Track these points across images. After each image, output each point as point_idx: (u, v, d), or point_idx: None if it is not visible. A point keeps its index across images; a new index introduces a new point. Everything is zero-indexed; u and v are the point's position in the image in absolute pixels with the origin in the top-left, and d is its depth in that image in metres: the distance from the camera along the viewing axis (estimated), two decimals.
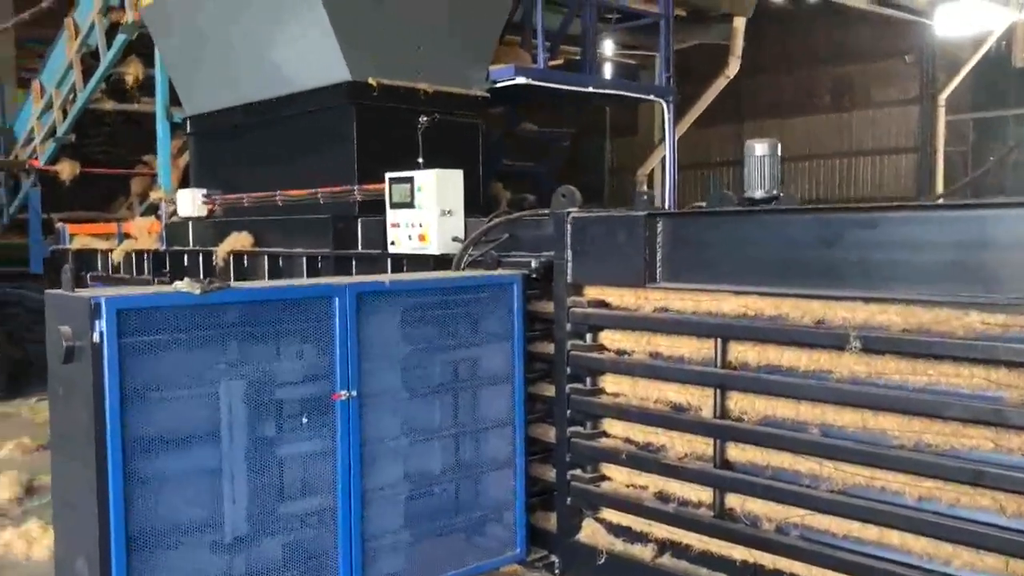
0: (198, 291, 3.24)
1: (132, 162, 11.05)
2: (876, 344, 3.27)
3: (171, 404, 3.28)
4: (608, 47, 15.02)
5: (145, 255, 7.84)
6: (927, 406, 3.16)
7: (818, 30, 21.83)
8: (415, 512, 4.06)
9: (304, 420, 3.64)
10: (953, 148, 19.92)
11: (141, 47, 8.42)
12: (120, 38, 8.06)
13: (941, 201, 6.63)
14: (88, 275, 8.61)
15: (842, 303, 3.39)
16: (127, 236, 8.23)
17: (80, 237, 9.13)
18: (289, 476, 3.60)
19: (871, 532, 3.36)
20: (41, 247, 9.71)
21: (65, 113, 9.42)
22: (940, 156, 19.77)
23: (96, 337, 3.06)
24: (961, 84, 19.29)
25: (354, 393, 3.69)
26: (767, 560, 3.65)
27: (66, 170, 9.94)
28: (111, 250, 8.27)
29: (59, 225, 9.46)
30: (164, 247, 7.49)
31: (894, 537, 3.30)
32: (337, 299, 3.64)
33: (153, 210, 9.22)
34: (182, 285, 3.27)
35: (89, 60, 8.94)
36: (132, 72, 8.79)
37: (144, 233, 7.98)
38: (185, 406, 3.33)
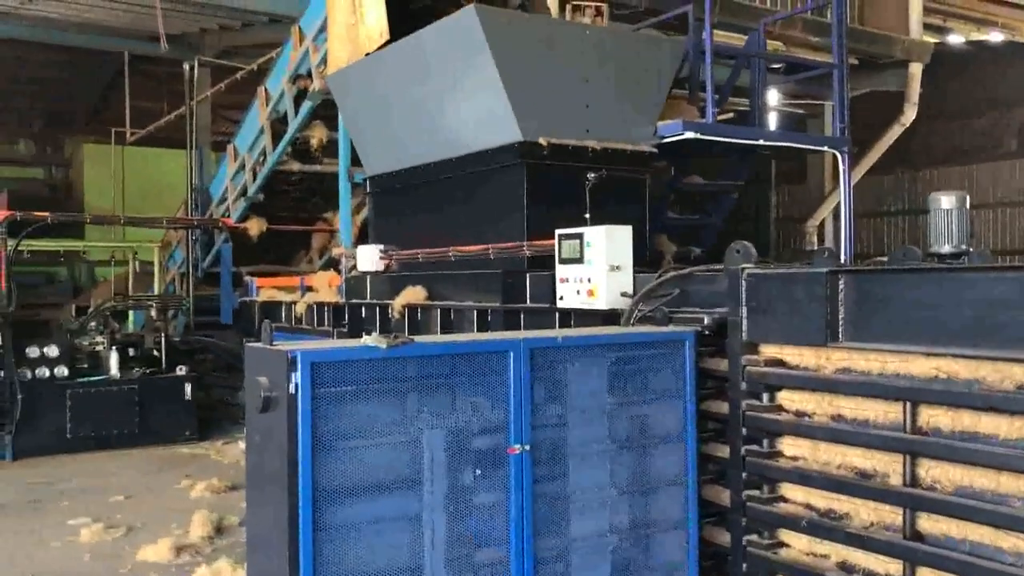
0: (384, 345, 3.40)
1: (313, 219, 11.78)
2: None
3: (357, 453, 3.43)
4: (773, 96, 14.78)
5: (326, 307, 8.26)
6: None
7: (1002, 72, 20.63)
8: (586, 570, 4.03)
9: (477, 472, 3.71)
10: None
11: (325, 112, 9.00)
12: (306, 104, 8.66)
13: None
14: (272, 325, 9.16)
15: None
16: (309, 289, 8.72)
17: (265, 290, 9.74)
18: (466, 527, 3.66)
19: None
20: (231, 299, 10.45)
21: (255, 174, 10.16)
22: None
23: (292, 388, 3.25)
24: None
25: (527, 447, 3.73)
26: None
27: (254, 227, 10.71)
28: (295, 302, 8.77)
29: (247, 278, 10.15)
30: (344, 300, 7.88)
31: None
32: (512, 353, 3.71)
33: (332, 264, 9.76)
34: (370, 340, 3.43)
35: (278, 125, 9.64)
36: (316, 136, 9.40)
37: (325, 286, 8.43)
38: (370, 455, 3.47)
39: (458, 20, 5.95)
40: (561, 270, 5.26)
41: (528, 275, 5.82)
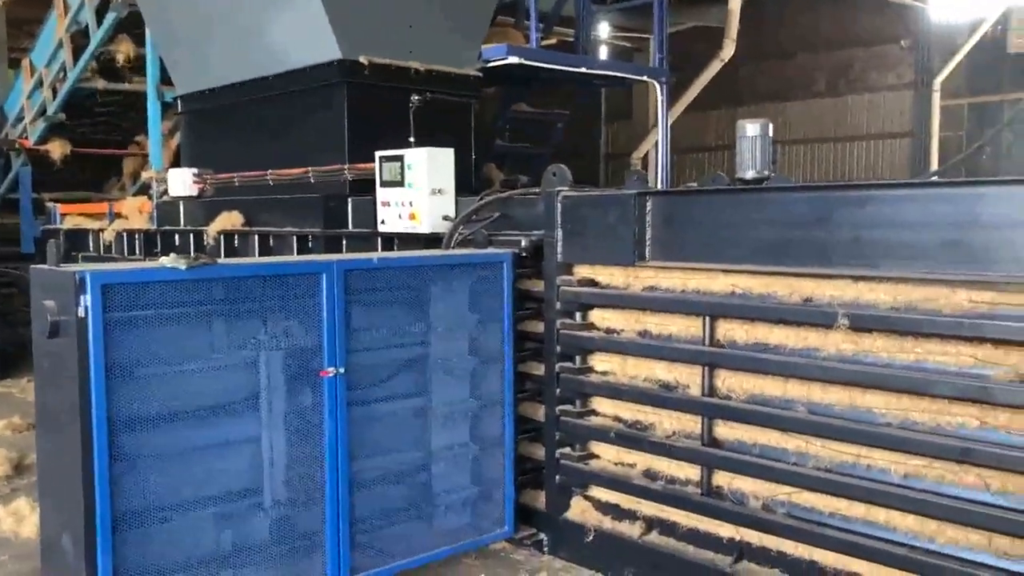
0: (184, 266, 3.23)
1: (125, 142, 11.01)
2: (864, 322, 3.27)
3: (160, 380, 3.27)
4: (603, 29, 14.95)
5: (136, 235, 7.80)
6: (914, 384, 3.17)
7: (816, 15, 21.78)
8: (405, 488, 4.06)
9: (293, 396, 3.64)
10: (949, 133, 19.92)
11: (132, 25, 8.35)
12: (110, 16, 8.00)
13: (932, 179, 6.62)
14: (80, 255, 8.59)
15: (831, 281, 3.39)
16: (118, 216, 8.19)
17: (71, 217, 9.09)
18: (277, 450, 3.59)
19: (858, 509, 3.38)
20: (32, 227, 9.68)
21: (55, 92, 9.36)
22: (935, 141, 19.78)
23: (81, 312, 3.04)
24: (956, 69, 19.29)
25: (342, 370, 3.68)
26: (754, 537, 3.67)
27: (56, 150, 9.89)
28: (103, 230, 8.24)
29: (50, 205, 9.42)
30: (155, 227, 7.46)
31: (880, 514, 3.31)
32: (324, 276, 3.62)
33: (144, 190, 9.19)
34: (168, 260, 3.25)
35: (79, 39, 8.87)
36: (123, 51, 8.72)
37: (135, 213, 7.94)
38: (176, 382, 3.32)
39: None
40: (382, 193, 5.16)
41: (350, 200, 5.69)
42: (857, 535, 3.35)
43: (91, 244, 8.62)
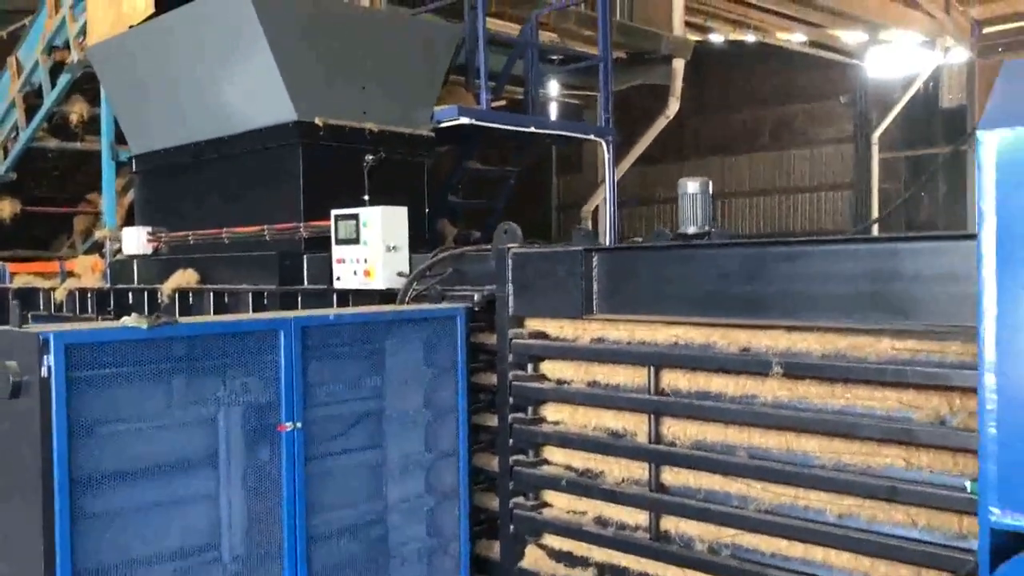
0: (145, 326, 3.32)
1: (75, 200, 11.00)
2: (797, 369, 3.47)
3: (123, 437, 3.34)
4: (553, 87, 15.36)
5: (89, 293, 7.80)
6: (844, 427, 3.36)
7: (758, 72, 22.56)
8: (362, 541, 4.13)
9: (252, 452, 3.72)
10: (887, 185, 20.69)
11: (85, 85, 8.46)
12: (64, 77, 8.11)
13: (854, 235, 6.94)
14: (30, 314, 8.53)
15: (766, 332, 3.58)
16: (70, 274, 8.20)
17: (20, 276, 9.05)
18: (236, 506, 3.66)
19: (797, 549, 3.54)
20: None
21: (6, 151, 9.38)
22: (875, 192, 20.52)
23: (44, 372, 3.11)
24: (893, 123, 20.13)
25: (299, 425, 3.77)
26: None
27: (6, 208, 9.89)
28: (54, 289, 8.22)
29: None
30: (108, 285, 7.48)
31: (818, 553, 3.47)
32: (283, 332, 3.73)
33: (97, 248, 9.19)
34: (130, 320, 3.34)
35: (32, 98, 8.95)
36: (76, 111, 8.81)
37: (88, 271, 7.95)
38: (138, 439, 3.39)
39: None
40: (338, 251, 5.29)
41: (305, 256, 5.81)
42: (797, 574, 3.50)
43: (41, 303, 8.58)
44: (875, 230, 17.17)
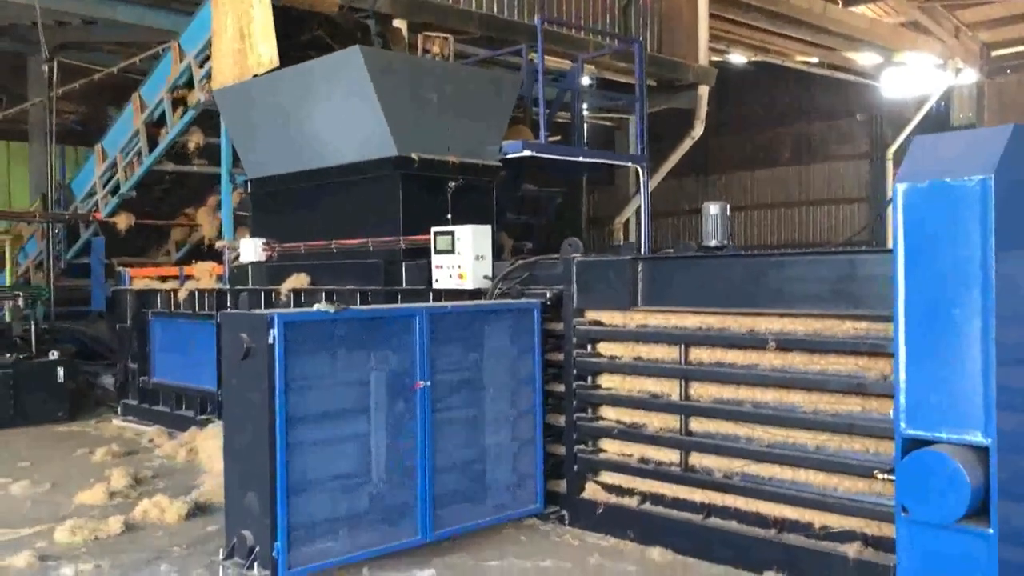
0: (332, 310, 4.81)
1: (174, 214, 12.62)
2: (787, 344, 4.89)
3: (312, 390, 4.82)
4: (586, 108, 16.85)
5: (207, 294, 9.31)
6: (820, 384, 4.77)
7: (780, 92, 23.87)
8: (466, 474, 5.59)
9: (399, 402, 5.19)
10: None
11: (202, 119, 10.02)
12: (189, 113, 9.66)
13: (824, 250, 8.34)
14: (150, 312, 10.05)
15: (765, 318, 5.00)
16: (188, 278, 9.72)
17: (139, 279, 10.58)
18: (392, 443, 5.13)
19: (787, 472, 4.95)
20: (103, 288, 11.18)
21: (126, 173, 10.97)
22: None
23: (271, 339, 4.61)
24: (907, 140, 21.42)
25: (428, 383, 5.24)
26: (717, 499, 5.23)
27: (123, 221, 11.50)
28: (175, 290, 9.73)
29: (120, 269, 10.94)
30: (227, 287, 8.98)
31: (801, 475, 4.88)
32: (417, 317, 5.21)
33: (193, 255, 10.74)
34: (320, 306, 4.83)
35: (153, 129, 10.53)
36: (194, 140, 10.37)
37: (206, 275, 9.47)
38: (322, 392, 4.87)
39: (345, 57, 7.32)
40: (436, 259, 6.77)
41: (404, 264, 7.29)
42: (786, 490, 4.92)
43: (159, 302, 10.10)
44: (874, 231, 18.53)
